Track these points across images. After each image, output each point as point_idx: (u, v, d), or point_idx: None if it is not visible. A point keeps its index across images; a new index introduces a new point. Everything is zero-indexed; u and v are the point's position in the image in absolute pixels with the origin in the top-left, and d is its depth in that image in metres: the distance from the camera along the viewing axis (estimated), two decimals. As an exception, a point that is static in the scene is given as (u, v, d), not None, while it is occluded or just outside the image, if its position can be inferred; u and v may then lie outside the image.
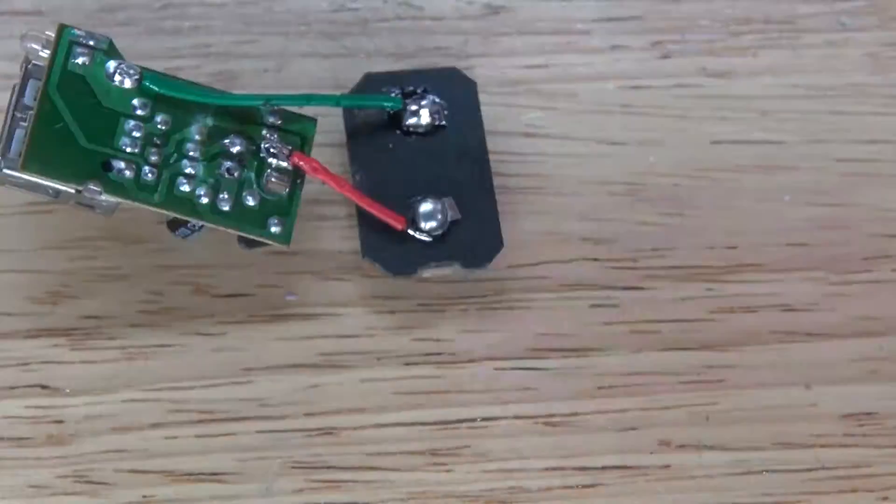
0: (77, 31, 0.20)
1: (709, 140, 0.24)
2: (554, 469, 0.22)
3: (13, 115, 0.20)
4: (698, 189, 0.24)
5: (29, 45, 0.20)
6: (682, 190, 0.24)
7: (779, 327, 0.23)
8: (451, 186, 0.22)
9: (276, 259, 0.23)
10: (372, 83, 0.23)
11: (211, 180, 0.20)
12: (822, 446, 0.23)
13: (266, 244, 0.21)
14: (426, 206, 0.22)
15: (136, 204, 0.20)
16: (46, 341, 0.22)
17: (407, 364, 0.23)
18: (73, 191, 0.20)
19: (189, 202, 0.20)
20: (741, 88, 0.25)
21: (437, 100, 0.23)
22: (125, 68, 0.20)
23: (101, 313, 0.22)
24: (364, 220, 0.22)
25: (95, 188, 0.20)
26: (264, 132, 0.21)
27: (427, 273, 0.22)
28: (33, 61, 0.20)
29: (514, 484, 0.22)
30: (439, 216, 0.22)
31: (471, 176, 0.23)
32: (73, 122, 0.20)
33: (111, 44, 0.20)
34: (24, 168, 0.19)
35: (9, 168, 0.20)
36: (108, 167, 0.20)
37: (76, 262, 0.23)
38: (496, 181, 0.23)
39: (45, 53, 0.20)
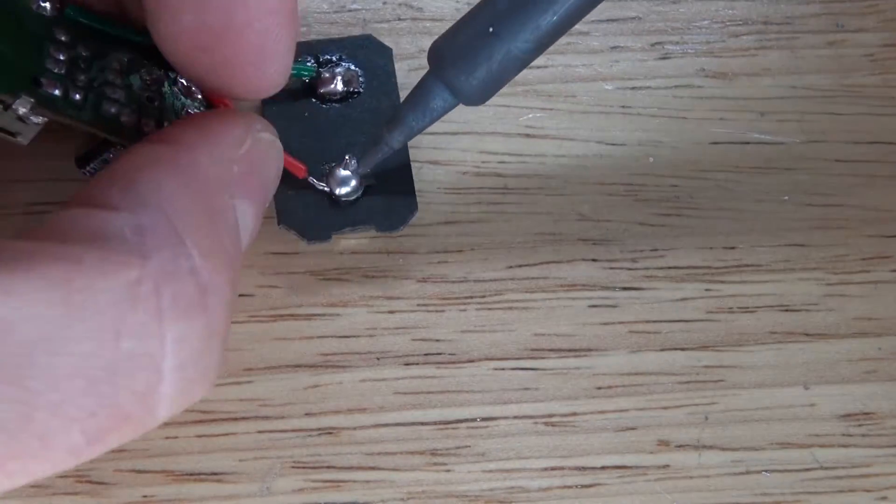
0: None
1: (708, 140, 0.24)
2: (553, 469, 0.22)
3: None
4: (697, 189, 0.24)
5: None
6: (681, 190, 0.24)
7: (777, 327, 0.23)
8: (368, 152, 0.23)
9: (276, 259, 0.23)
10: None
11: (134, 106, 0.21)
12: (821, 446, 0.23)
13: None
14: (340, 174, 0.22)
15: (66, 120, 0.20)
16: (47, 341, 0.22)
17: (407, 364, 0.23)
18: (1, 106, 0.20)
19: (115, 121, 0.21)
20: (740, 89, 0.25)
21: (352, 67, 0.23)
22: None
23: (101, 313, 0.22)
24: (281, 188, 0.22)
25: (29, 99, 0.20)
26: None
27: (342, 237, 0.23)
28: None
29: (514, 484, 0.22)
30: (353, 181, 0.22)
31: None
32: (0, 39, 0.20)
33: None
34: None
35: None
36: (37, 83, 0.20)
37: (76, 262, 0.23)
38: (494, 182, 0.24)
39: None
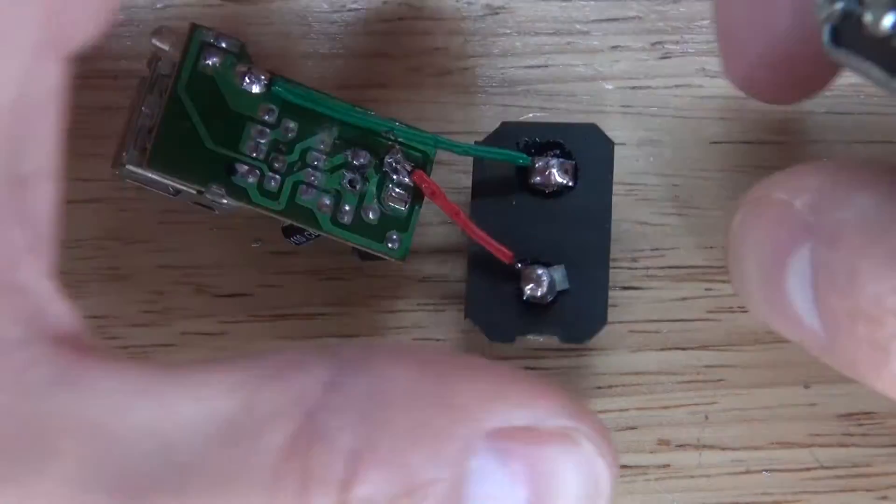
0: (209, 32, 0.20)
1: (708, 140, 0.24)
2: (553, 468, 0.22)
3: (140, 111, 0.20)
4: (698, 189, 0.24)
5: (158, 44, 0.20)
6: (681, 190, 0.24)
7: (778, 327, 0.23)
8: (567, 252, 0.21)
9: (276, 259, 0.23)
10: (507, 132, 0.22)
11: (333, 191, 0.20)
12: (821, 446, 0.23)
13: (381, 258, 0.21)
14: (534, 274, 0.21)
15: (257, 210, 0.20)
16: (47, 341, 0.22)
17: (407, 364, 0.23)
18: (194, 191, 0.20)
19: (310, 212, 0.20)
20: (740, 89, 0.25)
21: (568, 160, 0.22)
22: (255, 73, 0.20)
23: (101, 313, 0.22)
24: (474, 278, 0.21)
25: (218, 191, 0.20)
26: (389, 147, 0.21)
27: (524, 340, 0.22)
28: (160, 60, 0.20)
29: (514, 483, 0.22)
30: (545, 286, 0.21)
31: (589, 243, 0.21)
32: (199, 122, 0.19)
33: (243, 47, 0.20)
34: (150, 166, 0.19)
35: (133, 165, 0.20)
36: (231, 171, 0.20)
37: (77, 262, 0.23)
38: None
39: (170, 49, 0.20)
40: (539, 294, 0.21)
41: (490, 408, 0.15)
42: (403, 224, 0.21)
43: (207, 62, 0.20)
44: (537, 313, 0.21)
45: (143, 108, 0.20)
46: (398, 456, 0.14)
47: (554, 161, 0.21)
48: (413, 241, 0.21)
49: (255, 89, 0.20)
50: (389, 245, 0.21)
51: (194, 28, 0.20)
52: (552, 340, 0.21)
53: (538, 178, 0.22)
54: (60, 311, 0.14)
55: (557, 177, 0.21)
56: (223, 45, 0.20)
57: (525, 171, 0.22)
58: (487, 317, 0.21)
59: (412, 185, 0.21)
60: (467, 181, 0.22)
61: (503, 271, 0.21)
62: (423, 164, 0.21)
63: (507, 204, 0.22)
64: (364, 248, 0.21)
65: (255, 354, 0.15)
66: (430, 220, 0.23)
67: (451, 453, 0.14)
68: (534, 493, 0.15)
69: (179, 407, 0.14)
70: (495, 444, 0.15)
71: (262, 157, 0.20)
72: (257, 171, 0.20)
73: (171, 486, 0.13)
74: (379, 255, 0.21)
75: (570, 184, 0.22)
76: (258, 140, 0.20)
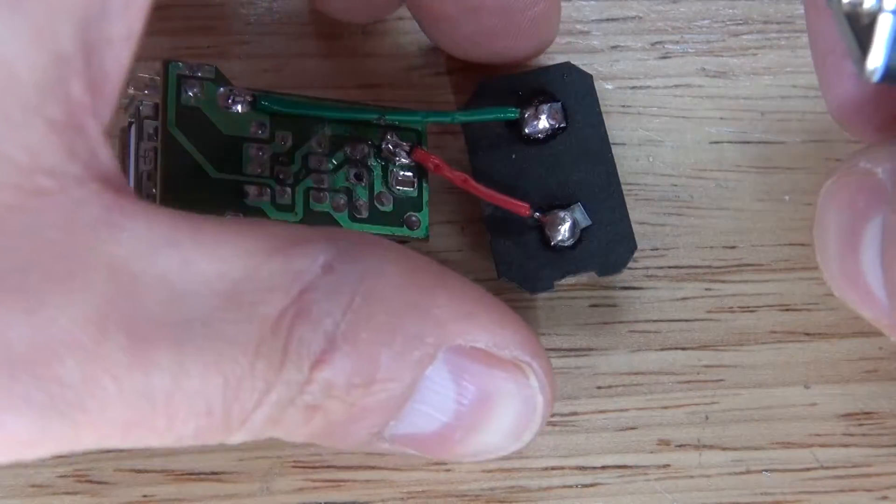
0: (182, 65, 0.20)
1: (708, 140, 0.24)
2: (553, 468, 0.22)
3: (136, 158, 0.20)
4: (698, 189, 0.24)
5: (133, 91, 0.20)
6: (681, 190, 0.24)
7: (778, 327, 0.23)
8: (578, 190, 0.22)
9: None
10: (485, 91, 0.22)
11: (343, 189, 0.21)
12: (821, 446, 0.23)
13: (406, 241, 0.21)
14: (556, 218, 0.22)
15: None
16: (47, 341, 0.22)
17: (407, 364, 0.23)
18: None
19: (328, 216, 0.20)
20: (740, 88, 0.25)
21: (554, 103, 0.22)
22: (237, 93, 0.20)
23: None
24: (497, 239, 0.22)
25: (237, 216, 0.20)
26: (382, 133, 0.21)
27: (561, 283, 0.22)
28: (142, 102, 0.20)
29: (514, 483, 0.22)
30: (569, 228, 0.22)
31: (596, 177, 0.22)
32: (198, 155, 0.20)
33: (217, 71, 0.20)
34: None
35: None
36: (241, 194, 0.20)
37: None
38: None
39: (147, 93, 0.20)
40: (565, 236, 0.22)
41: (460, 325, 0.17)
42: (417, 203, 0.21)
43: (189, 94, 0.20)
44: (568, 255, 0.22)
45: (139, 155, 0.20)
46: (369, 349, 0.15)
47: (542, 107, 0.22)
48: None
49: (241, 108, 0.20)
50: (410, 227, 0.21)
51: (167, 64, 0.20)
52: (589, 276, 0.22)
53: (530, 127, 0.22)
54: (108, 155, 0.15)
55: (548, 121, 0.22)
56: (199, 73, 0.20)
57: (516, 124, 0.22)
58: (521, 272, 0.22)
59: (415, 164, 0.21)
60: (463, 156, 0.23)
61: (522, 225, 0.22)
62: (417, 141, 0.21)
63: (507, 160, 0.22)
64: (387, 236, 0.21)
65: (265, 224, 0.16)
66: (429, 220, 0.23)
67: (414, 358, 0.16)
68: (470, 409, 0.17)
69: (197, 262, 0.14)
70: (453, 359, 0.16)
71: (267, 173, 0.20)
72: (267, 189, 0.20)
73: (172, 337, 0.14)
74: (403, 238, 0.21)
75: (562, 125, 0.22)
76: (259, 157, 0.20)
